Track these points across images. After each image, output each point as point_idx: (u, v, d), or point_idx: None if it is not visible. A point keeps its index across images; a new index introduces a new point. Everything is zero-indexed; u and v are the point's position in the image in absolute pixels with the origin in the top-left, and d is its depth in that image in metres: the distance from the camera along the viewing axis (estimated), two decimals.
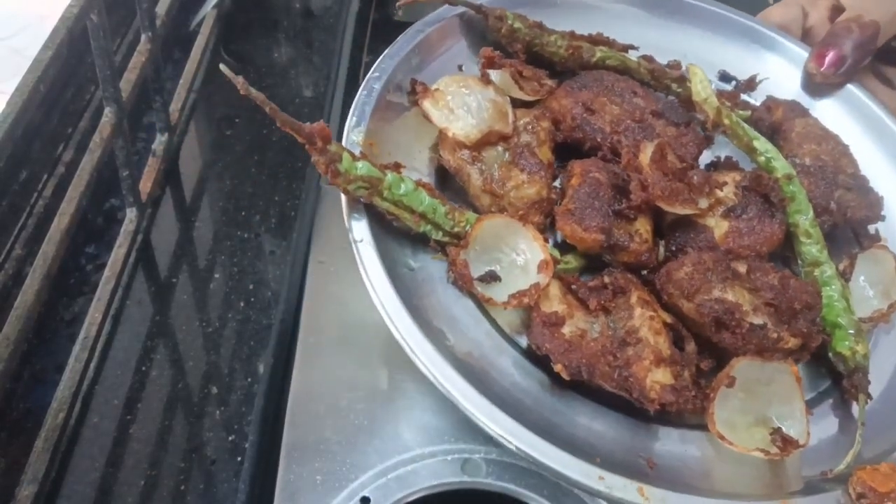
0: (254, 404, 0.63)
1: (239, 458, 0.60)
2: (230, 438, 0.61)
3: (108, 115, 0.66)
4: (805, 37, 0.76)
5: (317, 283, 0.69)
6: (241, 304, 0.70)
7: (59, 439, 0.57)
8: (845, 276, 0.58)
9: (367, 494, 0.55)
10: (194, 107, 0.88)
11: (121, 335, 0.66)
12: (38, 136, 0.73)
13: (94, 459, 0.58)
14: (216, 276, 0.72)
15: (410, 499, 0.56)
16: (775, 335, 0.51)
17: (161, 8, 0.79)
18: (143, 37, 0.75)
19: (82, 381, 0.61)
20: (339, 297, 0.67)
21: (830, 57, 0.69)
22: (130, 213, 0.72)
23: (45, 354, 0.64)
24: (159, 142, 0.79)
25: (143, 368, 0.64)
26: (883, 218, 0.61)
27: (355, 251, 0.51)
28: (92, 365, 0.63)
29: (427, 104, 0.58)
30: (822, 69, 0.69)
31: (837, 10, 0.74)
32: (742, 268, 0.53)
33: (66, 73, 0.79)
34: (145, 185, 0.75)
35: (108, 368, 0.64)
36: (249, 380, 0.65)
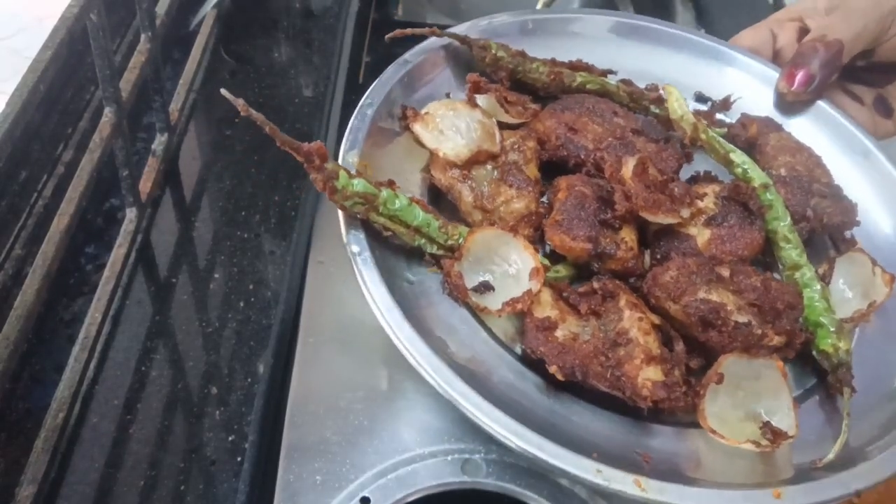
0: (254, 404, 0.63)
1: (239, 459, 0.60)
2: (230, 439, 0.61)
3: (108, 115, 0.66)
4: (775, 58, 0.79)
5: (316, 283, 0.70)
6: (241, 304, 0.70)
7: (59, 439, 0.57)
8: (825, 279, 0.61)
9: (367, 494, 0.56)
10: (194, 107, 0.88)
11: (121, 335, 0.66)
12: (38, 136, 0.73)
13: (94, 459, 0.58)
14: (216, 276, 0.72)
15: (410, 499, 0.56)
16: (760, 331, 0.53)
17: (161, 8, 0.79)
18: (142, 37, 0.75)
19: (82, 381, 0.61)
20: (338, 297, 0.67)
21: (800, 76, 0.72)
22: (130, 213, 0.72)
23: (45, 354, 0.64)
24: (159, 142, 0.79)
25: (143, 368, 0.64)
26: (858, 223, 0.64)
27: (354, 264, 0.53)
28: (92, 365, 0.63)
29: (418, 127, 0.61)
30: (792, 88, 0.72)
31: (804, 31, 0.77)
32: (725, 272, 0.56)
33: (66, 73, 0.79)
34: (145, 185, 0.75)
35: (108, 368, 0.64)
36: (249, 380, 0.65)
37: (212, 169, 0.82)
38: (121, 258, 0.69)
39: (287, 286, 0.71)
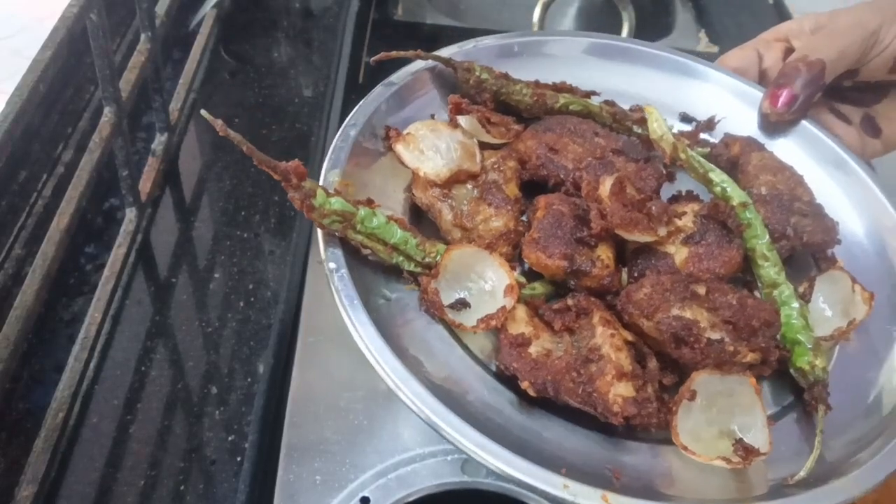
0: (254, 404, 0.63)
1: (239, 458, 0.60)
2: (230, 438, 0.61)
3: (108, 115, 0.66)
4: (761, 79, 0.79)
5: (317, 283, 0.70)
6: (241, 304, 0.70)
7: (58, 439, 0.57)
8: (805, 298, 0.60)
9: (367, 494, 0.56)
10: (194, 107, 0.88)
11: (121, 335, 0.66)
12: (37, 136, 0.73)
13: (94, 459, 0.58)
14: (216, 276, 0.72)
15: (410, 499, 0.56)
16: (732, 348, 0.53)
17: (161, 8, 0.79)
18: (142, 37, 0.75)
19: (82, 381, 0.61)
20: None
21: (783, 97, 0.71)
22: (130, 213, 0.72)
23: (45, 354, 0.64)
24: (159, 142, 0.80)
25: (143, 368, 0.64)
26: (839, 242, 0.64)
27: (330, 281, 0.53)
28: (92, 365, 0.63)
29: (399, 147, 0.62)
30: (776, 109, 0.72)
31: (791, 51, 0.77)
32: (701, 289, 0.55)
33: (66, 73, 0.79)
34: (145, 185, 0.75)
35: (108, 368, 0.64)
36: (249, 380, 0.65)
37: (212, 169, 0.82)
38: (121, 258, 0.69)
39: (287, 286, 0.71)
